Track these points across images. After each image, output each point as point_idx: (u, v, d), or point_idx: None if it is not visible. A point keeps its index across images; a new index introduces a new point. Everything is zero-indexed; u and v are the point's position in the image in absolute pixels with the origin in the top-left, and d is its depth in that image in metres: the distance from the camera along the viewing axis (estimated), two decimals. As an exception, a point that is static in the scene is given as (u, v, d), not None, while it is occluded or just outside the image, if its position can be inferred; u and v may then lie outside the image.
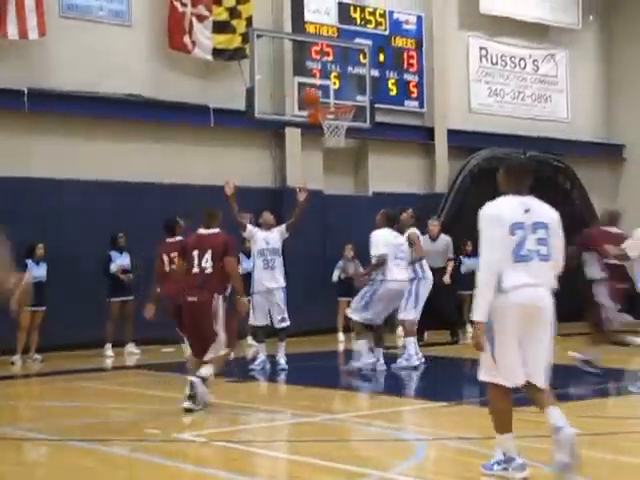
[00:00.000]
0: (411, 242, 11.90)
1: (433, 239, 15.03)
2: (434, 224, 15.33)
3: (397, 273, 11.49)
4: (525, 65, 22.01)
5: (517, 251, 5.45)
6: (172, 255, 10.20)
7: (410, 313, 12.04)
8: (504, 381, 5.52)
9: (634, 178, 22.46)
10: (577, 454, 5.20)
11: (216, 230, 8.98)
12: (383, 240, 11.39)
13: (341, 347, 15.73)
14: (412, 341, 11.99)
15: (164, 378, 11.52)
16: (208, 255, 8.68)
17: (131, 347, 14.97)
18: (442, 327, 16.02)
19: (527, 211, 5.54)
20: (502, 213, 5.53)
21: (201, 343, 8.74)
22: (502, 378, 5.52)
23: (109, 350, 14.66)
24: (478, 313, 5.43)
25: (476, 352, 5.60)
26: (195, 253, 8.75)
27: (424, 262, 12.16)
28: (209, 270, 8.65)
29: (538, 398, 5.53)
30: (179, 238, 10.55)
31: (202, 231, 9.03)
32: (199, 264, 8.69)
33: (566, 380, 9.63)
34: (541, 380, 5.51)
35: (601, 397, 9.76)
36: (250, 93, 14.90)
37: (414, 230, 12.22)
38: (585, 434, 6.42)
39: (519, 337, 5.46)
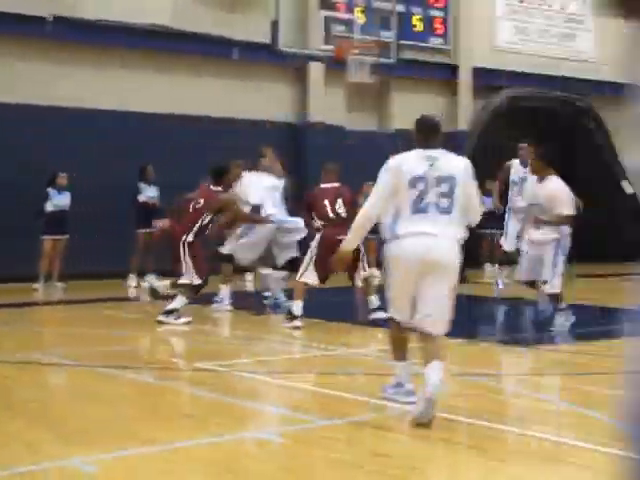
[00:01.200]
0: None
1: None
2: None
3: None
4: (552, 3, 21.69)
5: (416, 203, 5.54)
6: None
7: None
8: (395, 315, 5.79)
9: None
10: (431, 410, 5.31)
11: (337, 184, 10.55)
12: None
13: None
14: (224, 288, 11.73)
15: (186, 308, 11.64)
16: (340, 202, 10.33)
17: (151, 278, 15.07)
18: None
19: (432, 165, 5.58)
20: (402, 166, 5.66)
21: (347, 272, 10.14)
22: (393, 311, 5.81)
23: (133, 280, 14.79)
24: (348, 245, 6.06)
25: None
26: (326, 202, 10.34)
27: None
28: (344, 215, 10.18)
29: (426, 348, 5.57)
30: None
31: (324, 186, 10.52)
32: (333, 210, 10.31)
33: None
34: (430, 328, 5.55)
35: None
36: (275, 26, 14.81)
37: None
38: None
39: (413, 281, 5.56)
